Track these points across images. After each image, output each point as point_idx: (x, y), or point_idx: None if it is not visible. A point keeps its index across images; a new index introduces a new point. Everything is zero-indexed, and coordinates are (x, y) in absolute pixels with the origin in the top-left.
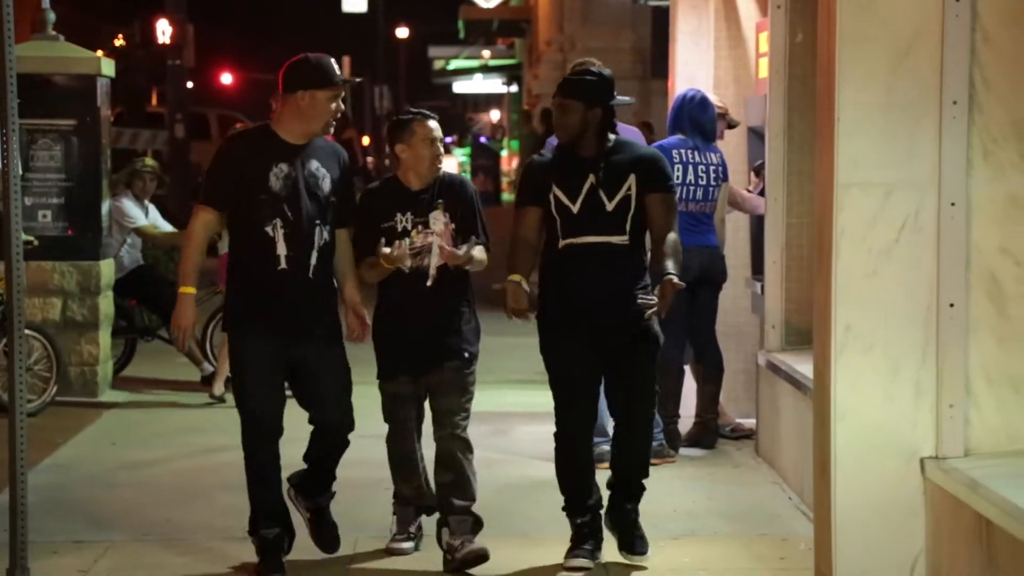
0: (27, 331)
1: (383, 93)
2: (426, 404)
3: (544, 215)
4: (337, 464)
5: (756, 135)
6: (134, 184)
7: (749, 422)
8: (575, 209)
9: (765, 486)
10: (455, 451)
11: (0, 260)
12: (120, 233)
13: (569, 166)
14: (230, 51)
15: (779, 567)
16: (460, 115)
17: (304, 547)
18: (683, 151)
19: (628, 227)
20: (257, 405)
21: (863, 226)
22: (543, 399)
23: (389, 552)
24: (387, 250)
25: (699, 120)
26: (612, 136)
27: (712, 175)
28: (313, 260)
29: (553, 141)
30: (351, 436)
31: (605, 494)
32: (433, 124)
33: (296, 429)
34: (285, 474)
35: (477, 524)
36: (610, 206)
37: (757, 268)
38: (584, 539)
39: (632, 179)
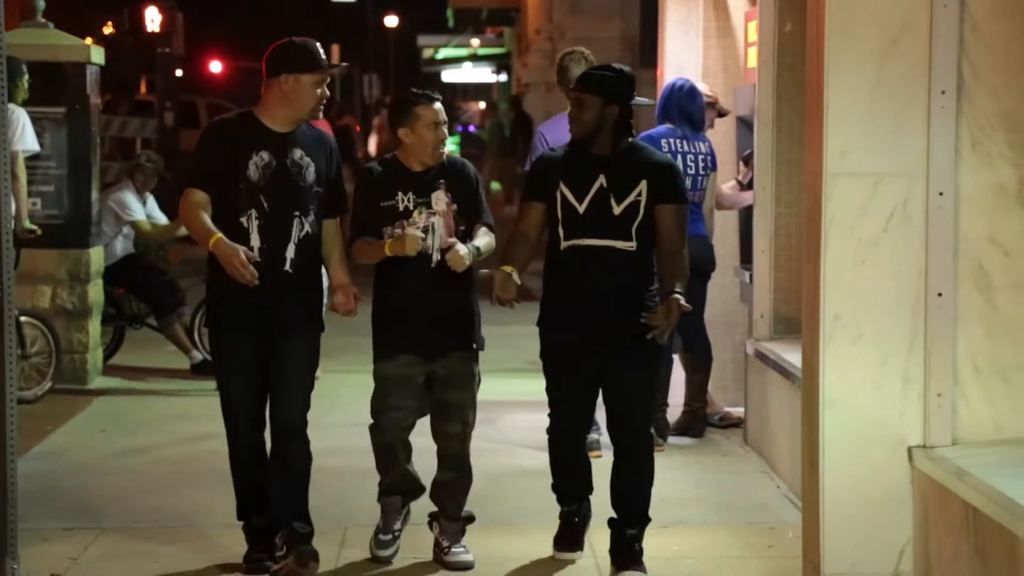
0: (28, 318)
1: (372, 82)
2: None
3: (548, 212)
4: (305, 484)
5: (745, 125)
6: (135, 176)
7: (738, 411)
8: (581, 209)
9: (753, 475)
10: (461, 452)
11: None
12: (117, 223)
13: (579, 164)
14: (219, 39)
15: (767, 555)
16: (449, 104)
17: None
18: (671, 140)
19: (635, 232)
20: (234, 401)
21: (852, 216)
22: (532, 387)
23: (372, 557)
24: (405, 230)
25: (687, 109)
26: (628, 138)
27: (701, 164)
28: (290, 253)
29: (558, 132)
30: (344, 431)
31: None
32: (438, 107)
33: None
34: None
35: (467, 521)
36: (617, 210)
37: (746, 257)
38: (570, 528)
39: (643, 185)
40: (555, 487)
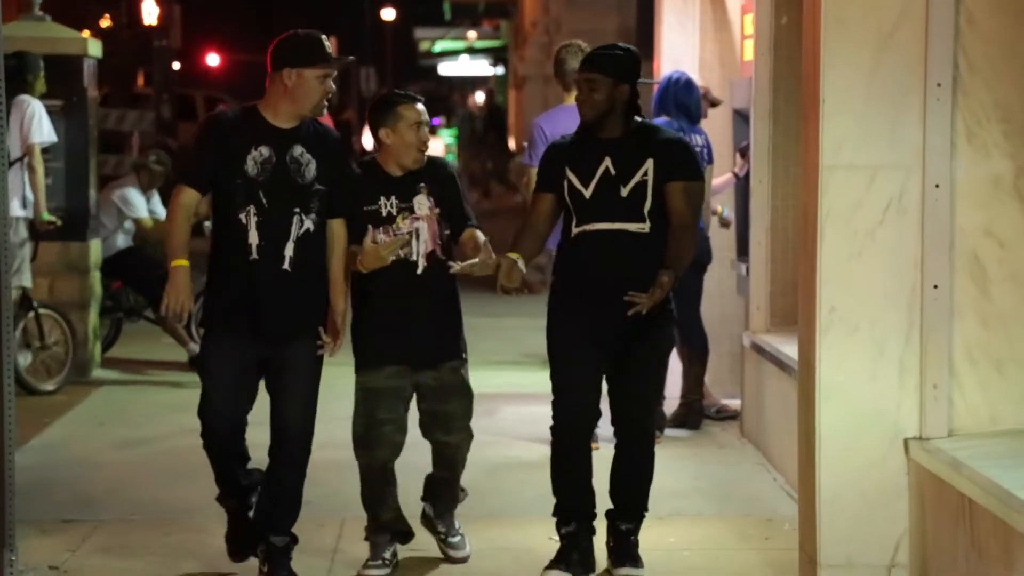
0: (45, 311)
1: (369, 75)
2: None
3: (560, 202)
4: (299, 486)
5: (741, 117)
6: (141, 175)
7: (734, 403)
8: (588, 194)
9: (750, 466)
10: (458, 457)
11: None
12: (118, 218)
13: (585, 148)
14: (216, 32)
15: (764, 547)
16: (446, 97)
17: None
18: None
19: (648, 214)
20: (215, 406)
21: (848, 208)
22: (527, 380)
23: None
24: (374, 243)
25: (684, 102)
26: (637, 118)
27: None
28: (289, 251)
29: (556, 124)
30: (343, 423)
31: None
32: (421, 108)
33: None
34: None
35: (457, 501)
36: (624, 191)
37: (742, 250)
38: (566, 553)
39: (650, 164)
40: (555, 492)
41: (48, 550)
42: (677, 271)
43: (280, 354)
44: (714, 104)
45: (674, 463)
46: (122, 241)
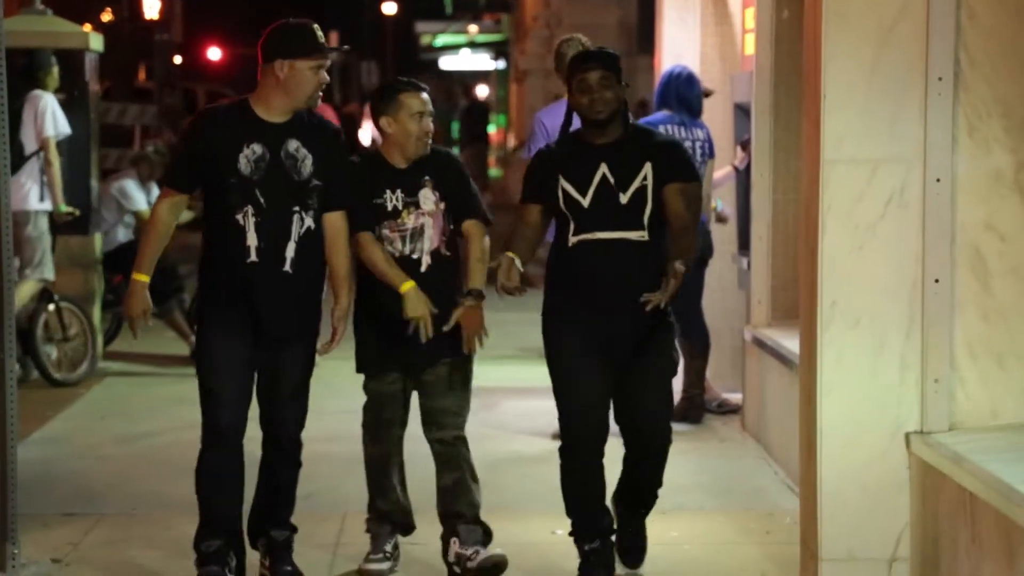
0: (65, 303)
1: (371, 69)
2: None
3: (548, 211)
4: (293, 485)
5: (742, 111)
6: (140, 167)
7: (735, 397)
8: (586, 203)
9: (751, 461)
10: (458, 455)
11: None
12: (119, 212)
13: (578, 156)
14: (218, 26)
15: (765, 541)
16: (447, 90)
17: (297, 516)
18: (670, 127)
19: (647, 221)
20: (216, 411)
21: (849, 202)
22: (526, 374)
23: (363, 574)
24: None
25: (686, 96)
26: (630, 122)
27: (699, 151)
28: (290, 252)
29: (557, 119)
30: (344, 417)
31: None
32: (424, 96)
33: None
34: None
35: (487, 535)
36: (624, 198)
37: (744, 244)
38: (594, 569)
39: (648, 168)
40: (569, 512)
41: (50, 543)
42: (687, 261)
43: (277, 355)
44: (707, 94)
45: (675, 457)
46: (123, 235)
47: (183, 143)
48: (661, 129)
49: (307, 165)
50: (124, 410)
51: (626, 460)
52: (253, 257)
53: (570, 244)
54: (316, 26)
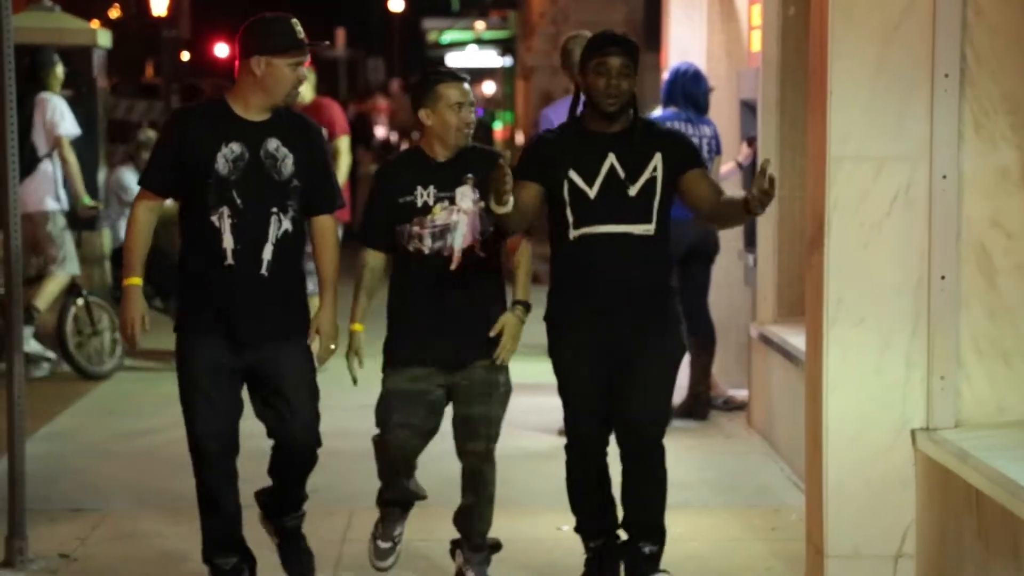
0: (94, 298)
1: (377, 66)
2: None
3: (549, 197)
4: (304, 483)
5: (749, 108)
6: (137, 157)
7: (741, 394)
8: (592, 194)
9: (757, 457)
10: (486, 472)
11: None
12: (119, 205)
13: (585, 144)
14: (225, 22)
15: (771, 537)
16: None
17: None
18: (677, 123)
19: (655, 215)
20: (200, 423)
21: (855, 199)
22: (533, 370)
23: (372, 566)
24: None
25: (692, 93)
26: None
27: (705, 147)
28: (267, 255)
29: (564, 116)
30: (353, 413)
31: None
32: (465, 87)
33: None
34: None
35: (494, 549)
36: (633, 190)
37: (750, 241)
38: (598, 566)
39: (658, 159)
40: (574, 510)
41: (58, 539)
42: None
43: (267, 363)
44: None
45: (681, 454)
46: (125, 229)
47: (159, 144)
48: (668, 126)
49: (287, 165)
50: (131, 406)
51: (626, 470)
52: (229, 260)
53: (571, 238)
54: (295, 21)
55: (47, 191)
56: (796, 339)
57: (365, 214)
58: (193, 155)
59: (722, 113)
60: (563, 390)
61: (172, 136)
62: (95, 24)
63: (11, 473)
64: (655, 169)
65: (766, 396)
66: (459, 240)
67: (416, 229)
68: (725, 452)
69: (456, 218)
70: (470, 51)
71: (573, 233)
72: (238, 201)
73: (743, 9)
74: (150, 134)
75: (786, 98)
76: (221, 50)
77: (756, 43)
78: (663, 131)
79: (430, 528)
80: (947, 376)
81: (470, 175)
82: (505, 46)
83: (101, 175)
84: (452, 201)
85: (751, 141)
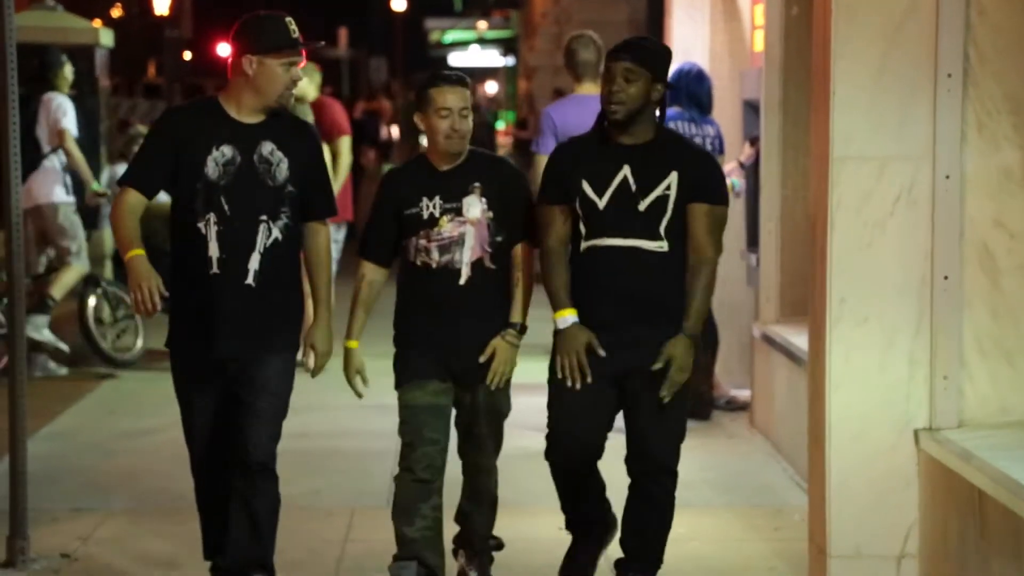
0: (113, 288)
1: (380, 65)
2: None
3: (572, 212)
4: (270, 533)
5: (752, 108)
6: (128, 152)
7: (744, 394)
8: (601, 205)
9: (759, 457)
10: (491, 485)
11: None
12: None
13: (601, 154)
14: (228, 22)
15: (773, 537)
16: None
17: (305, 511)
18: (680, 123)
19: (664, 231)
20: (194, 434)
21: (858, 199)
22: (536, 370)
23: None
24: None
25: (695, 92)
26: (663, 125)
27: (708, 147)
28: (254, 264)
29: (567, 115)
30: (354, 412)
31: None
32: (457, 91)
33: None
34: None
35: (497, 548)
36: (642, 206)
37: (752, 240)
38: (574, 552)
39: (674, 178)
40: (568, 523)
41: (60, 538)
42: (694, 328)
43: (243, 373)
44: None
45: (684, 454)
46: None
47: (147, 142)
48: (671, 126)
49: (282, 169)
50: (133, 405)
51: (632, 491)
52: (215, 269)
53: (582, 249)
54: (289, 19)
55: (55, 182)
56: (799, 339)
57: (368, 224)
58: (183, 157)
59: (725, 113)
60: (553, 404)
61: (161, 136)
62: (97, 23)
63: (13, 473)
64: (669, 187)
65: (769, 396)
66: (467, 254)
67: (423, 243)
68: (727, 452)
69: (463, 229)
70: (472, 51)
71: (583, 245)
72: (226, 208)
73: (746, 9)
74: (140, 129)
75: (789, 98)
76: (223, 50)
77: (759, 43)
78: (690, 150)
79: None
80: (950, 376)
81: (477, 184)
82: (507, 46)
83: (104, 175)
84: (459, 212)
85: (754, 141)
